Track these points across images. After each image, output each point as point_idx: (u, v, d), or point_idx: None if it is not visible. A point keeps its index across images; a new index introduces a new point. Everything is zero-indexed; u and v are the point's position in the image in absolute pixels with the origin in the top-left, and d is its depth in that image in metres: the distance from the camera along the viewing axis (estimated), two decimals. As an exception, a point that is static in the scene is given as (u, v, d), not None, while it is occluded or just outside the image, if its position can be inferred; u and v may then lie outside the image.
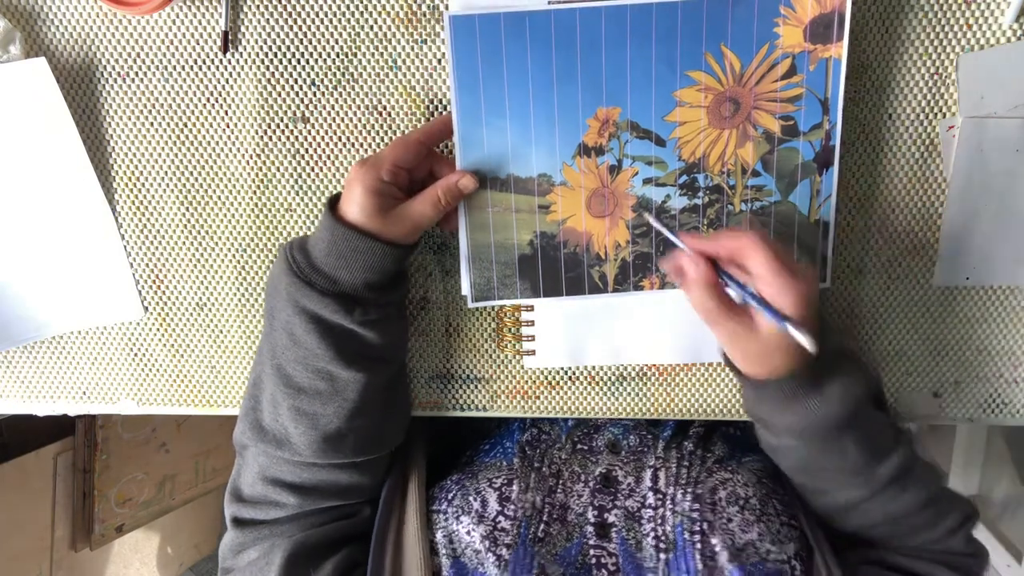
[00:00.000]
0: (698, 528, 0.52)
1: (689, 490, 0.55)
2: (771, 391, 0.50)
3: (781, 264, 0.46)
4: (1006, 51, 0.56)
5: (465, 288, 0.59)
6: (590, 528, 0.54)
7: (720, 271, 0.49)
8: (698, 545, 0.51)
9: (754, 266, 0.47)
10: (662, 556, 0.51)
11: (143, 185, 0.61)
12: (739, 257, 0.48)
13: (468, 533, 0.53)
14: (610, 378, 0.64)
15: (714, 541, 0.51)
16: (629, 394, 0.64)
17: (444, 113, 0.58)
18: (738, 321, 0.48)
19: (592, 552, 0.52)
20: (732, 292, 0.49)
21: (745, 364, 0.51)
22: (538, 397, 0.65)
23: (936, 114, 0.57)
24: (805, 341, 0.45)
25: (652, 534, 0.53)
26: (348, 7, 0.57)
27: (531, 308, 0.61)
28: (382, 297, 0.54)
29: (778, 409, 0.51)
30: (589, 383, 0.64)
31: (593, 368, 0.64)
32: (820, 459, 0.52)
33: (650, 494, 0.56)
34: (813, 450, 0.52)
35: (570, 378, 0.64)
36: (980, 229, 0.59)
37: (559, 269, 0.59)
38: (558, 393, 0.65)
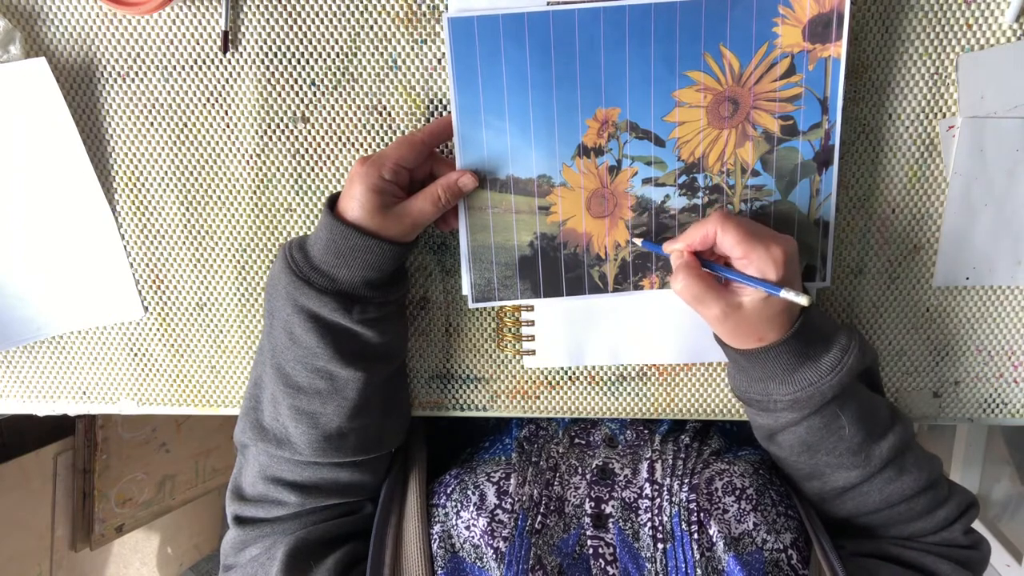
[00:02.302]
0: (695, 518, 0.52)
1: (686, 481, 0.55)
2: (768, 363, 0.51)
3: (752, 239, 0.49)
4: (1006, 51, 0.56)
5: (466, 289, 0.59)
6: (587, 519, 0.54)
7: (703, 262, 0.52)
8: (695, 535, 0.51)
9: (728, 249, 0.50)
10: (659, 546, 0.52)
11: (143, 185, 0.61)
12: (713, 243, 0.51)
13: (467, 527, 0.53)
14: (610, 378, 0.64)
15: (711, 531, 0.51)
16: (629, 394, 0.64)
17: (446, 114, 0.58)
18: (724, 300, 0.50)
19: (590, 543, 0.52)
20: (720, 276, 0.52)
21: (737, 340, 0.52)
22: (538, 397, 0.65)
23: (936, 114, 0.57)
24: (800, 299, 0.47)
25: (649, 524, 0.53)
26: (348, 7, 0.57)
27: (531, 308, 0.61)
28: (381, 296, 0.54)
29: (775, 382, 0.52)
30: (589, 383, 0.64)
31: (593, 368, 0.64)
32: (818, 437, 0.52)
33: (647, 485, 0.56)
34: (811, 427, 0.52)
35: (570, 378, 0.64)
36: (980, 229, 0.59)
37: (559, 269, 0.59)
38: (558, 393, 0.65)
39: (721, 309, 0.50)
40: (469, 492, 0.55)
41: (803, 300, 0.47)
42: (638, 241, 0.57)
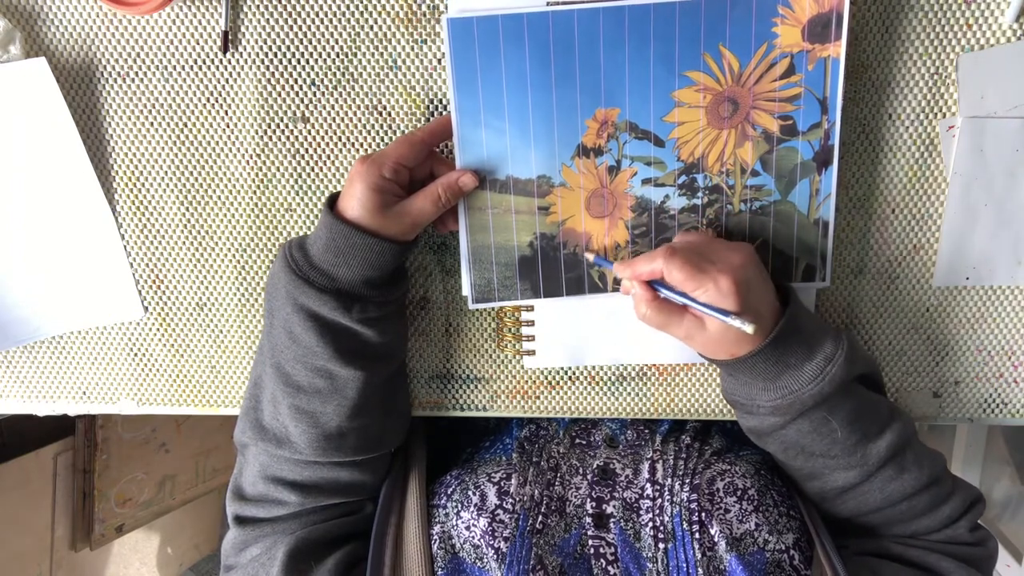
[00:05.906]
0: (696, 518, 0.52)
1: (687, 481, 0.55)
2: (747, 371, 0.51)
3: (699, 276, 0.48)
4: (1006, 51, 0.56)
5: (466, 290, 0.59)
6: (588, 519, 0.54)
7: (658, 285, 0.52)
8: (696, 535, 0.51)
9: (677, 286, 0.50)
10: (661, 546, 0.52)
11: (143, 185, 0.61)
12: (661, 277, 0.51)
13: (467, 528, 0.53)
14: (610, 378, 0.64)
15: (712, 531, 0.51)
16: (629, 394, 0.64)
17: (446, 113, 0.58)
18: (688, 322, 0.50)
19: (591, 543, 0.53)
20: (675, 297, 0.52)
21: (710, 354, 0.53)
22: (538, 397, 0.65)
23: (936, 114, 0.57)
24: (745, 327, 0.47)
25: (650, 524, 0.53)
26: (348, 7, 0.57)
27: (531, 308, 0.61)
28: (381, 295, 0.54)
29: (757, 387, 0.52)
30: (589, 383, 0.64)
31: (593, 368, 0.64)
32: (809, 440, 0.52)
33: (648, 486, 0.56)
34: (800, 430, 0.52)
35: (570, 378, 0.64)
36: (980, 229, 0.59)
37: (559, 270, 0.59)
38: (558, 393, 0.65)
39: (686, 332, 0.50)
40: (470, 492, 0.55)
41: (748, 328, 0.47)
42: (590, 256, 0.58)
